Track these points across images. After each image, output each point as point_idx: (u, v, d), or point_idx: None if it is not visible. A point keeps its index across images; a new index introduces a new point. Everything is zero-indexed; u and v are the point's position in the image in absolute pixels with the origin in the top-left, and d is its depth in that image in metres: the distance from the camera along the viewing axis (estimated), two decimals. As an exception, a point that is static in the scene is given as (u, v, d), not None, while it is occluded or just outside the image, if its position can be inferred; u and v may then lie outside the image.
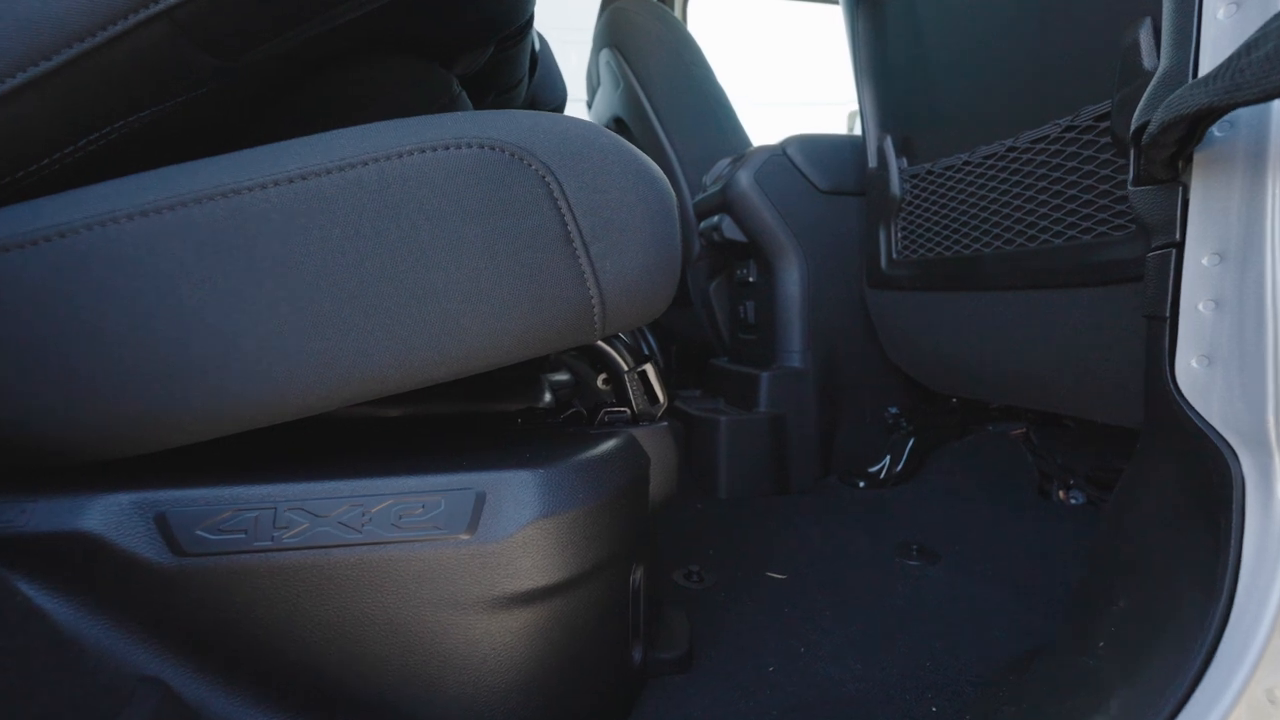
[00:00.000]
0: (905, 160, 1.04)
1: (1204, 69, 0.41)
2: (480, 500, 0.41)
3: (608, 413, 0.58)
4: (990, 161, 0.85)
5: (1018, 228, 0.82)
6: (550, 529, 0.42)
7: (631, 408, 0.59)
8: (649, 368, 0.60)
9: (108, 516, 0.37)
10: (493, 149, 0.41)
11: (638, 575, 0.52)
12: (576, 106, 1.76)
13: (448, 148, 0.40)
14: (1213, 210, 0.40)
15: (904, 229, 1.05)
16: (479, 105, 0.76)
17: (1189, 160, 0.41)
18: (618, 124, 1.58)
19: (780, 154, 1.20)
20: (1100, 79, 0.68)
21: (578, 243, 0.43)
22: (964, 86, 0.88)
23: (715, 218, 1.27)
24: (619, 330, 0.48)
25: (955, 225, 0.93)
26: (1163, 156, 0.40)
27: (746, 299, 1.32)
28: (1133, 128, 0.46)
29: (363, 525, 0.39)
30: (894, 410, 1.21)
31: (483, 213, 0.40)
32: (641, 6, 1.45)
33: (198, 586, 0.37)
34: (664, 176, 0.50)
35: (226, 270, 0.37)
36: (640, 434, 0.55)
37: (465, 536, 0.40)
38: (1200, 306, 0.40)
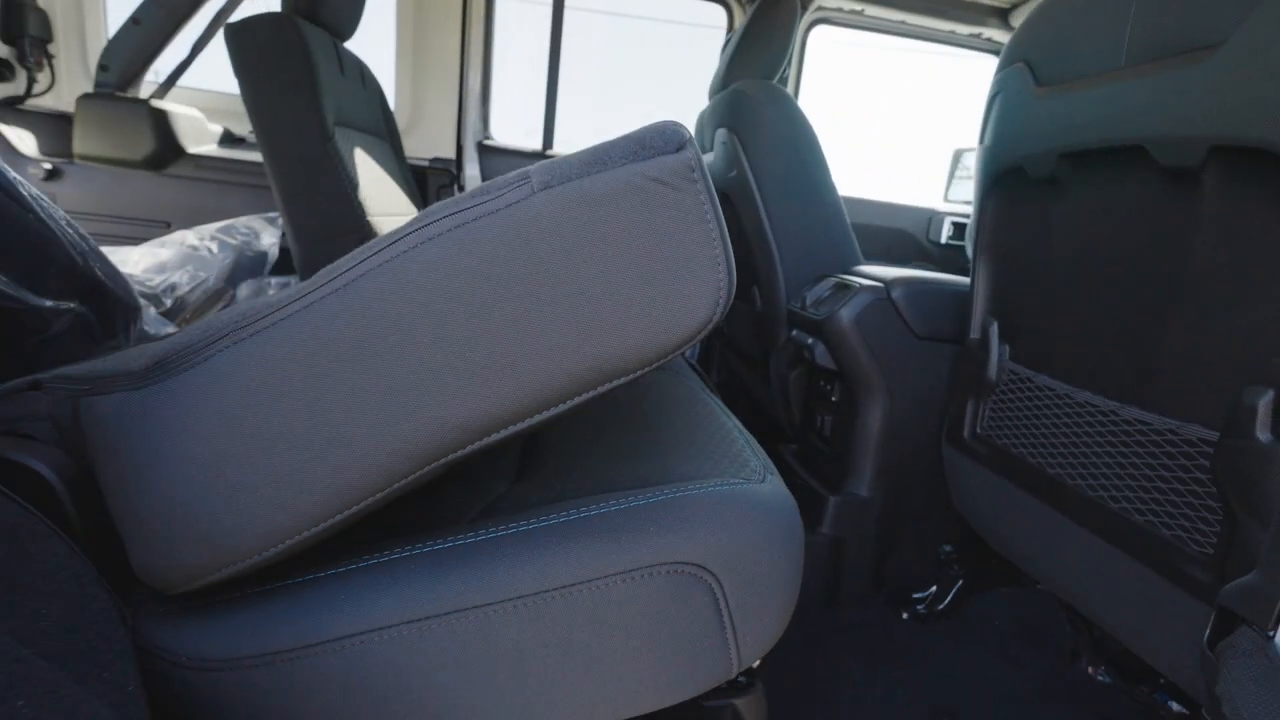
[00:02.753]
0: (1007, 349, 1.07)
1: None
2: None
3: (715, 671, 0.70)
4: (1091, 410, 0.89)
5: (1103, 481, 0.87)
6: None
7: (734, 661, 0.71)
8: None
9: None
10: (679, 573, 0.51)
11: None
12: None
13: (642, 574, 0.50)
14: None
15: (992, 412, 1.10)
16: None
17: None
18: (725, 201, 1.61)
19: (884, 297, 1.23)
20: (1211, 406, 0.72)
21: (729, 631, 0.53)
22: (1077, 328, 0.91)
23: (809, 339, 1.33)
24: (745, 666, 0.59)
25: (1042, 440, 0.98)
26: None
27: (825, 412, 1.40)
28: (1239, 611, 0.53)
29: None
30: (948, 549, 1.30)
31: (659, 632, 0.51)
32: (767, 96, 1.45)
33: None
34: (796, 518, 0.59)
35: (465, 674, 0.49)
36: (743, 703, 0.67)
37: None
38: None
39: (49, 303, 0.89)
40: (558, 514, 0.53)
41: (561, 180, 0.44)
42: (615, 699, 0.52)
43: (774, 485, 0.61)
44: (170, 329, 1.17)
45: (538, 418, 0.47)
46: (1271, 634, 0.47)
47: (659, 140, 0.45)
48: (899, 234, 2.30)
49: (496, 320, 0.44)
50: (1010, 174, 0.99)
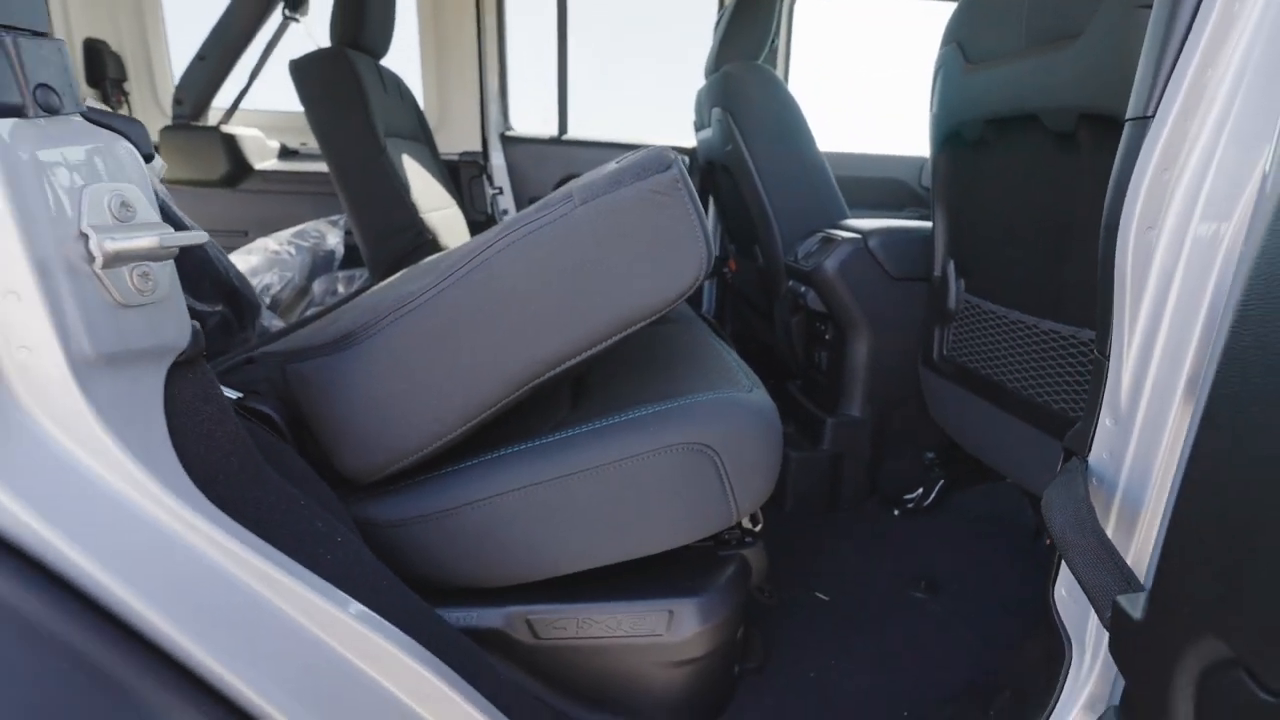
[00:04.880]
0: (964, 283, 1.28)
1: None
2: (671, 615, 0.81)
3: (727, 531, 0.96)
4: (1021, 325, 1.11)
5: (1031, 381, 1.10)
6: (706, 631, 0.82)
7: (740, 525, 0.97)
8: (754, 503, 0.97)
9: (506, 620, 0.79)
10: (691, 450, 0.76)
11: (740, 633, 0.93)
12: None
13: (665, 450, 0.75)
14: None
15: (954, 335, 1.32)
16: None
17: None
18: (725, 172, 1.82)
19: (862, 246, 1.45)
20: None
21: (729, 491, 0.79)
22: (1008, 261, 1.12)
23: (802, 287, 1.55)
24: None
25: (990, 354, 1.20)
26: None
27: (821, 349, 1.63)
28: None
29: (613, 628, 0.80)
30: (931, 455, 1.54)
31: (680, 490, 0.76)
32: (754, 77, 1.64)
33: (543, 655, 0.80)
34: (775, 415, 0.84)
35: (554, 520, 0.76)
36: (749, 553, 0.93)
37: (662, 634, 0.81)
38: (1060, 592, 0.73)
39: (204, 306, 1.17)
40: (607, 419, 0.79)
41: (593, 196, 0.68)
42: (654, 535, 0.78)
43: (759, 394, 0.85)
44: (278, 322, 1.45)
45: (589, 353, 0.72)
46: (1085, 459, 0.70)
47: (654, 163, 0.69)
48: (894, 182, 2.48)
49: (559, 291, 0.69)
50: (952, 136, 1.19)
